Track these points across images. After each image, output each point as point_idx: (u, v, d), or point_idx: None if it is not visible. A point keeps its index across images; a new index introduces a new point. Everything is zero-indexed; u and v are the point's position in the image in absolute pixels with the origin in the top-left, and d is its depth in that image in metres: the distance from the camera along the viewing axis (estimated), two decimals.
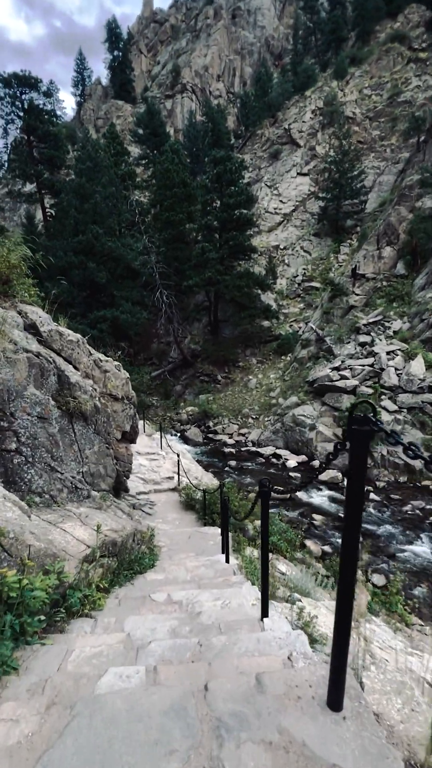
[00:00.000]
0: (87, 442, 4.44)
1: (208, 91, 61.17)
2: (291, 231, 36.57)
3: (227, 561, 4.75)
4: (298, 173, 38.79)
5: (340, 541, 10.10)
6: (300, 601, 3.70)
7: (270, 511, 9.97)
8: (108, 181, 23.29)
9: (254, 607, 2.79)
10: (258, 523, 9.70)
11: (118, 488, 5.68)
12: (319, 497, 14.78)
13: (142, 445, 13.90)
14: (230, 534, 6.69)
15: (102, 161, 24.32)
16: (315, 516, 13.07)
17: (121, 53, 68.57)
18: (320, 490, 15.36)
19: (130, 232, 26.87)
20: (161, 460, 12.74)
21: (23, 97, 34.88)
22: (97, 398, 4.66)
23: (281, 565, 6.70)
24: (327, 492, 15.20)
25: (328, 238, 34.97)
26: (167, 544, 6.37)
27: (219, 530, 7.40)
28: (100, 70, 79.23)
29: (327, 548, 11.27)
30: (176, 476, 11.38)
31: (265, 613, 2.53)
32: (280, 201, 38.46)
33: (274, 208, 38.12)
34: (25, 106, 34.53)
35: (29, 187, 39.49)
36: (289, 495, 14.52)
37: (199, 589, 3.42)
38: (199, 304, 31.08)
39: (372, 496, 14.66)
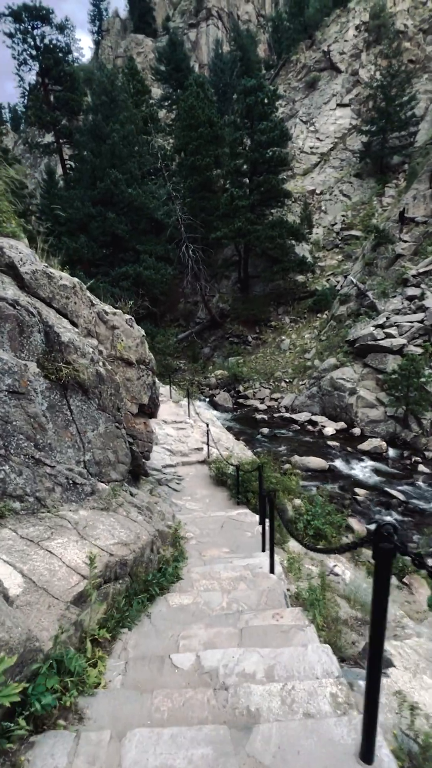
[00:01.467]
0: (89, 421, 3.36)
1: (236, 16, 54.76)
2: (329, 173, 33.01)
3: (272, 570, 3.69)
4: (338, 104, 34.46)
5: (386, 519, 8.87)
6: (393, 667, 2.58)
7: (307, 484, 8.73)
8: (126, 118, 20.97)
9: (339, 704, 1.67)
10: (298, 502, 8.70)
11: (136, 472, 4.66)
12: (361, 469, 13.58)
13: (169, 412, 13.00)
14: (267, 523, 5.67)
15: (119, 95, 21.85)
16: (357, 490, 11.94)
17: None
18: (362, 460, 14.14)
19: (153, 179, 24.70)
20: (189, 429, 11.81)
21: (35, 32, 32.03)
22: (101, 363, 3.52)
23: (330, 561, 5.65)
24: (369, 462, 13.97)
25: (371, 179, 31.32)
26: (196, 535, 5.42)
27: (255, 516, 6.41)
28: (120, 7, 72.07)
29: (372, 527, 10.19)
30: (206, 447, 10.44)
31: (368, 757, 1.42)
32: (317, 138, 34.56)
33: (310, 147, 34.37)
34: (38, 43, 31.77)
35: (48, 139, 37.32)
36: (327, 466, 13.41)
37: (240, 641, 2.35)
38: (228, 258, 29.02)
39: (421, 467, 13.31)
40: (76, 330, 3.48)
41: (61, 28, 32.01)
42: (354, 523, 9.85)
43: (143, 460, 4.69)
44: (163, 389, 14.72)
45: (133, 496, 4.09)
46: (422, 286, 19.73)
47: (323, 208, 31.81)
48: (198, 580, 3.48)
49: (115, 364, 3.97)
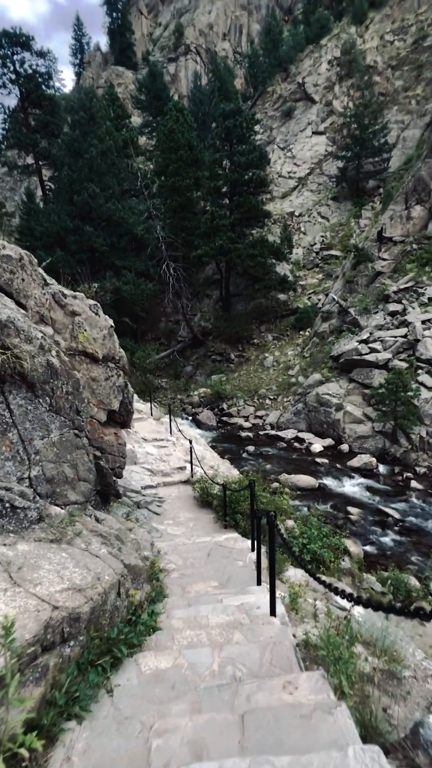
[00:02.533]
0: (37, 426, 2.63)
1: (213, 52, 57.10)
2: (307, 196, 33.78)
3: (273, 611, 2.94)
4: (313, 132, 35.68)
5: (383, 539, 8.08)
6: None
7: (297, 504, 7.96)
8: (105, 134, 20.85)
9: None
10: (291, 523, 7.94)
11: (106, 493, 3.88)
12: (352, 486, 12.95)
13: (150, 430, 12.18)
14: (263, 549, 4.92)
15: (97, 113, 21.83)
16: (350, 509, 11.26)
17: (120, 15, 64.44)
18: (352, 477, 13.53)
19: (134, 199, 24.50)
20: (171, 447, 11.00)
21: (15, 57, 32.30)
22: (55, 353, 2.82)
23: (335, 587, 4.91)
24: (360, 479, 13.37)
25: (348, 201, 32.14)
26: (179, 566, 4.61)
27: (246, 542, 5.65)
28: (101, 42, 74.81)
29: (369, 549, 9.48)
30: (189, 466, 9.64)
31: None
32: (294, 164, 35.53)
33: (288, 172, 35.25)
34: (17, 68, 32.00)
35: (29, 161, 37.20)
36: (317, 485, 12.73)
37: (243, 738, 1.60)
38: (209, 277, 28.88)
39: (413, 483, 12.77)
40: (24, 313, 2.77)
41: (42, 54, 32.39)
42: (350, 544, 9.12)
43: (114, 479, 3.92)
44: (144, 406, 13.93)
45: (100, 522, 3.31)
46: (404, 301, 19.81)
47: (302, 229, 32.33)
48: (180, 630, 2.69)
49: (77, 359, 3.28)
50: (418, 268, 21.34)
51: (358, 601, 2.10)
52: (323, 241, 30.76)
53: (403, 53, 35.50)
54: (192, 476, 9.22)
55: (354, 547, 9.16)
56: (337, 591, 2.28)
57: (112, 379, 3.65)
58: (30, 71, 31.68)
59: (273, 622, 2.81)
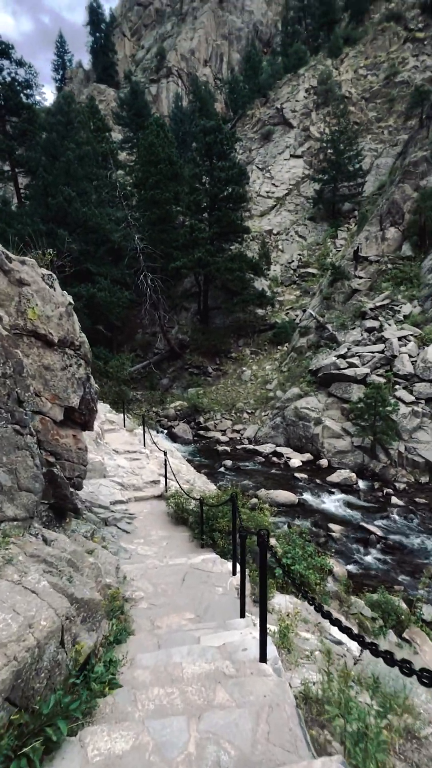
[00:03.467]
0: None
1: (195, 76, 58.58)
2: (284, 215, 34.38)
3: (263, 656, 2.34)
4: (291, 155, 36.66)
5: (366, 558, 7.58)
6: None
7: (277, 521, 7.32)
8: (83, 139, 20.47)
9: None
10: (272, 542, 7.33)
11: (61, 507, 3.20)
12: (332, 502, 12.51)
13: (122, 441, 11.42)
14: (246, 573, 4.31)
15: (76, 117, 21.49)
16: (331, 526, 10.77)
17: (103, 35, 65.50)
18: (332, 493, 13.11)
19: (111, 206, 24.05)
20: (144, 459, 10.27)
21: None
22: None
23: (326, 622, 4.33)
24: (340, 495, 12.96)
25: (324, 222, 32.89)
26: (148, 594, 3.93)
27: (226, 564, 5.03)
28: (84, 60, 75.31)
29: (353, 568, 8.98)
30: (163, 480, 8.94)
31: None
32: (273, 184, 36.26)
33: (267, 192, 35.89)
34: None
35: (5, 168, 36.36)
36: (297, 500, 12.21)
37: None
38: (187, 290, 28.60)
39: (394, 500, 12.46)
40: None
41: (21, 63, 31.98)
42: (333, 563, 8.58)
43: (72, 490, 3.26)
44: (116, 417, 13.16)
45: (49, 543, 2.65)
46: (380, 318, 20.01)
47: (280, 247, 32.74)
48: (146, 687, 2.06)
49: (26, 342, 2.66)
50: (393, 287, 21.73)
51: (369, 647, 1.58)
52: (300, 259, 31.19)
53: (376, 87, 37.33)
54: (166, 491, 8.52)
55: (337, 566, 8.63)
56: (350, 633, 1.73)
57: (71, 369, 3.04)
58: (8, 79, 31.22)
59: (265, 672, 2.21)
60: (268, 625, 3.27)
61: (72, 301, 3.28)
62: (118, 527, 7.06)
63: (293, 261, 31.21)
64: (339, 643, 3.67)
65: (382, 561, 9.36)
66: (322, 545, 9.75)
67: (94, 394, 3.33)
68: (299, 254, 31.53)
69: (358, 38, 40.69)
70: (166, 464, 8.78)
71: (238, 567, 4.69)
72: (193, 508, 7.44)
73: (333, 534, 10.39)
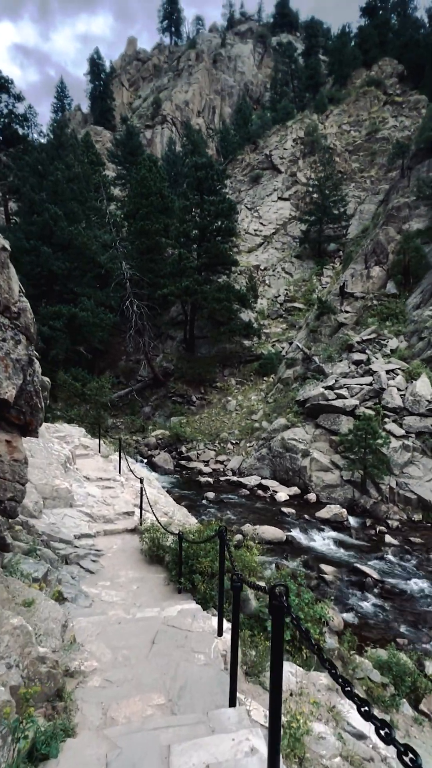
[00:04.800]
0: None
1: (188, 124, 61.87)
2: (272, 252, 35.19)
3: None
4: (279, 197, 38.12)
5: (363, 604, 6.59)
6: None
7: (263, 559, 6.16)
8: (74, 161, 20.55)
9: None
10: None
11: None
12: (323, 540, 11.58)
13: (95, 468, 10.38)
14: (241, 635, 3.40)
15: (67, 140, 21.69)
16: (323, 567, 9.79)
17: (102, 84, 69.22)
18: (322, 530, 12.19)
19: (100, 228, 23.91)
20: (119, 488, 9.25)
21: None
22: None
23: (341, 700, 3.39)
24: (330, 533, 12.04)
25: (310, 261, 33.71)
26: (104, 664, 2.99)
27: (210, 618, 4.10)
28: (83, 105, 79.28)
29: (350, 617, 7.97)
30: (138, 511, 7.95)
31: None
32: (261, 223, 37.37)
33: (255, 230, 36.90)
34: None
35: None
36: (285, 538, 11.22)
37: None
38: (173, 318, 28.33)
39: (388, 538, 11.61)
40: None
41: (19, 98, 33.02)
42: (331, 614, 7.58)
43: (2, 518, 2.40)
44: (92, 442, 12.14)
45: None
46: (367, 351, 19.90)
47: (267, 282, 33.21)
48: None
49: None
50: (380, 322, 21.88)
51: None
52: (287, 293, 31.57)
53: (358, 141, 39.83)
54: (141, 523, 7.51)
55: (335, 616, 7.63)
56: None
57: (4, 347, 2.29)
58: (6, 111, 32.01)
59: None
60: (264, 711, 2.38)
61: (7, 246, 2.58)
62: (81, 566, 6.02)
63: (280, 295, 31.55)
64: (361, 736, 2.77)
65: (381, 608, 8.39)
66: (315, 589, 8.74)
67: (39, 386, 2.55)
68: (286, 289, 31.96)
69: (342, 99, 43.87)
70: (142, 493, 7.82)
71: (226, 624, 3.78)
72: (171, 544, 6.48)
73: (326, 576, 9.40)
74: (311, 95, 51.48)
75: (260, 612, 5.37)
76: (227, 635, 3.63)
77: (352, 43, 51.93)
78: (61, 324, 16.76)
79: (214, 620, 3.85)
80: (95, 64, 70.00)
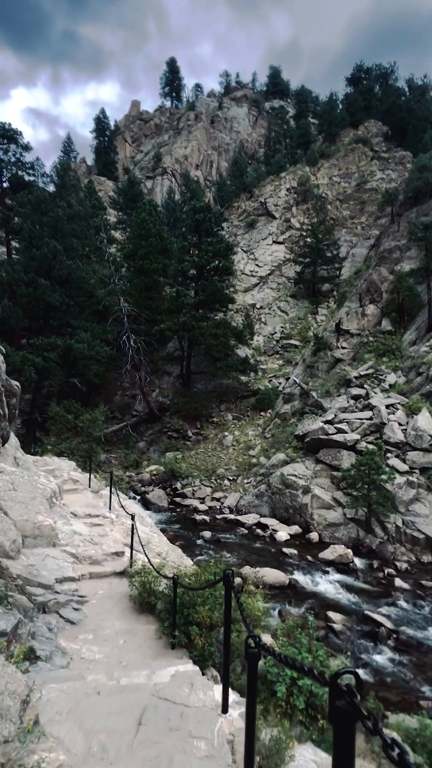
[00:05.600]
0: None
1: (187, 175, 65.48)
2: (267, 292, 35.96)
3: None
4: (273, 241, 39.55)
5: (378, 658, 5.76)
6: None
7: (266, 605, 5.29)
8: (77, 201, 21.22)
9: None
10: (268, 640, 5.67)
11: None
12: (327, 583, 10.69)
13: (84, 503, 9.68)
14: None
15: (70, 181, 22.52)
16: (331, 614, 8.92)
17: (107, 139, 73.89)
18: (326, 573, 11.31)
19: (99, 263, 24.20)
20: (108, 525, 8.55)
21: (2, 146, 34.54)
22: None
23: None
24: (336, 576, 11.17)
25: (305, 300, 34.41)
26: (74, 758, 2.39)
27: (212, 686, 3.48)
28: (88, 159, 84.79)
29: (364, 673, 7.09)
30: (128, 551, 7.25)
31: None
32: (257, 265, 38.49)
33: (251, 271, 37.92)
34: (2, 156, 34.02)
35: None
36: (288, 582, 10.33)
37: None
38: (170, 353, 28.28)
39: (398, 582, 10.76)
40: None
41: (26, 148, 34.90)
42: (337, 665, 6.72)
43: None
44: (82, 476, 11.47)
45: None
46: (365, 386, 19.71)
47: (263, 320, 33.65)
48: None
49: None
50: (376, 358, 21.89)
51: None
52: (283, 331, 31.90)
53: (348, 191, 42.05)
54: (131, 565, 6.81)
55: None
56: None
57: None
58: (13, 159, 33.67)
59: None
60: None
61: None
62: (61, 615, 5.31)
63: (276, 333, 31.85)
64: None
65: (398, 663, 7.51)
66: (323, 639, 7.86)
67: (4, 386, 2.15)
68: (281, 327, 32.33)
69: (332, 154, 46.82)
70: (133, 531, 7.16)
71: (232, 696, 3.14)
72: (164, 589, 5.79)
73: (334, 625, 8.52)
74: (302, 152, 55.05)
75: (267, 672, 4.66)
76: (234, 711, 2.99)
77: (340, 107, 56.36)
78: (56, 356, 16.51)
79: (217, 690, 3.20)
80: (101, 122, 75.12)
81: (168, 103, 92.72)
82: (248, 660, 2.10)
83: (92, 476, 11.38)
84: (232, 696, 3.11)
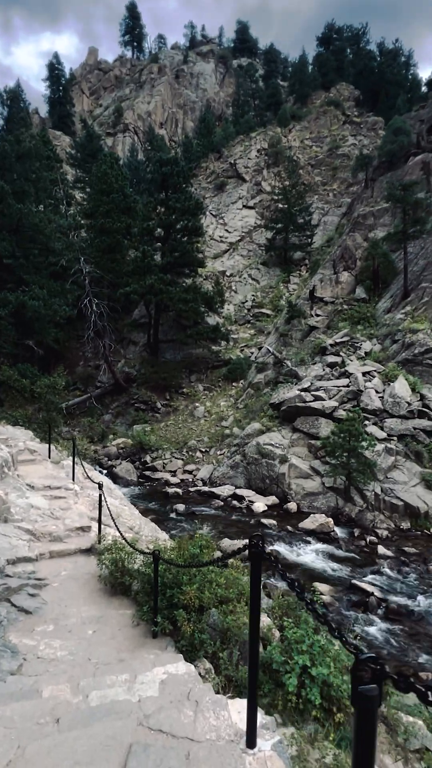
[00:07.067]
0: None
1: (151, 132, 61.31)
2: (237, 259, 34.56)
3: None
4: (244, 206, 37.87)
5: (371, 630, 5.11)
6: None
7: (248, 579, 4.32)
8: (25, 137, 18.69)
9: None
10: (266, 621, 4.88)
11: None
12: (311, 554, 10.20)
13: (43, 475, 8.44)
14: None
15: (19, 113, 19.79)
16: (317, 586, 8.36)
17: (62, 88, 67.37)
18: (308, 543, 10.83)
19: (56, 213, 21.75)
20: (72, 498, 7.41)
21: None
22: None
23: None
24: (318, 545, 10.71)
25: (277, 268, 33.38)
26: None
27: (208, 688, 2.58)
28: (42, 111, 76.21)
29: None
30: (96, 525, 6.18)
31: None
32: (226, 230, 36.81)
33: (220, 236, 36.24)
34: None
35: None
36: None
37: None
38: (136, 321, 26.57)
39: (381, 549, 10.43)
40: None
41: None
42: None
43: None
44: (40, 446, 10.15)
45: None
46: (341, 354, 19.21)
47: (234, 288, 32.40)
48: None
49: None
50: (351, 326, 21.41)
51: None
52: (254, 300, 30.87)
53: (320, 156, 40.70)
54: (99, 541, 5.76)
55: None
56: None
57: None
58: None
59: None
60: None
61: None
62: (13, 604, 4.22)
63: (247, 301, 30.78)
64: None
65: (391, 633, 7.06)
66: (305, 611, 7.27)
67: None
68: (253, 295, 31.27)
69: (303, 116, 45.02)
70: (101, 502, 6.08)
71: (261, 716, 2.19)
72: (141, 567, 4.80)
73: (322, 597, 7.94)
74: (272, 115, 52.66)
75: (271, 661, 3.83)
76: (265, 742, 2.06)
77: (311, 68, 54.10)
78: (7, 312, 14.58)
79: (233, 705, 2.26)
80: (54, 69, 68.25)
81: (129, 54, 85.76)
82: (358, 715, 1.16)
83: (52, 447, 10.08)
84: (261, 716, 2.18)
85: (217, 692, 3.65)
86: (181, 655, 3.64)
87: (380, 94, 45.73)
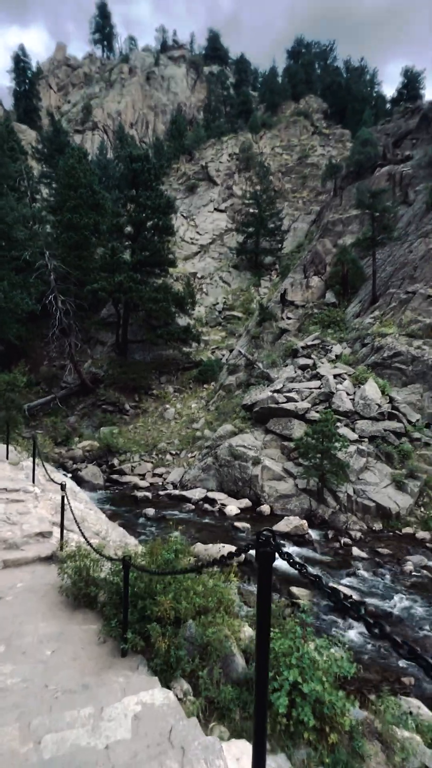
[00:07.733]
0: None
1: (121, 132, 60.40)
2: (209, 261, 34.37)
3: None
4: (215, 209, 37.82)
5: (350, 634, 4.88)
6: None
7: (223, 585, 4.19)
8: None
9: None
10: (249, 632, 4.49)
11: None
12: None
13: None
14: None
15: None
16: (294, 590, 8.07)
17: (28, 81, 65.19)
18: (282, 546, 10.47)
19: (18, 201, 20.59)
20: (31, 501, 6.71)
21: None
22: None
23: None
24: (293, 549, 10.45)
25: (248, 271, 33.45)
26: None
27: (192, 723, 2.16)
28: (6, 104, 73.28)
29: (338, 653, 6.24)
30: (58, 530, 5.57)
31: None
32: (197, 232, 36.58)
33: (191, 238, 35.95)
34: None
35: None
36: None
37: None
38: (104, 319, 25.68)
39: (355, 551, 10.31)
40: None
41: None
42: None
43: None
44: None
45: None
46: (312, 356, 19.30)
47: (204, 290, 32.13)
48: None
49: None
50: (322, 329, 21.61)
51: None
52: (225, 302, 30.72)
53: (290, 164, 41.42)
54: (61, 548, 5.16)
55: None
56: None
57: None
58: None
59: None
60: None
61: None
62: None
63: (218, 303, 30.57)
64: None
65: (370, 636, 6.83)
66: (290, 618, 6.94)
67: None
68: (224, 298, 31.12)
69: (273, 125, 45.77)
70: (63, 505, 5.48)
71: (270, 761, 1.86)
72: (109, 576, 4.29)
73: (299, 601, 7.66)
74: (243, 122, 53.21)
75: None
76: None
77: (281, 79, 55.27)
78: None
79: (227, 750, 1.85)
80: (20, 60, 65.88)
81: (99, 52, 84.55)
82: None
83: (11, 447, 9.26)
84: (270, 761, 1.76)
85: (197, 716, 3.21)
86: (156, 677, 3.17)
87: (347, 109, 47.28)
